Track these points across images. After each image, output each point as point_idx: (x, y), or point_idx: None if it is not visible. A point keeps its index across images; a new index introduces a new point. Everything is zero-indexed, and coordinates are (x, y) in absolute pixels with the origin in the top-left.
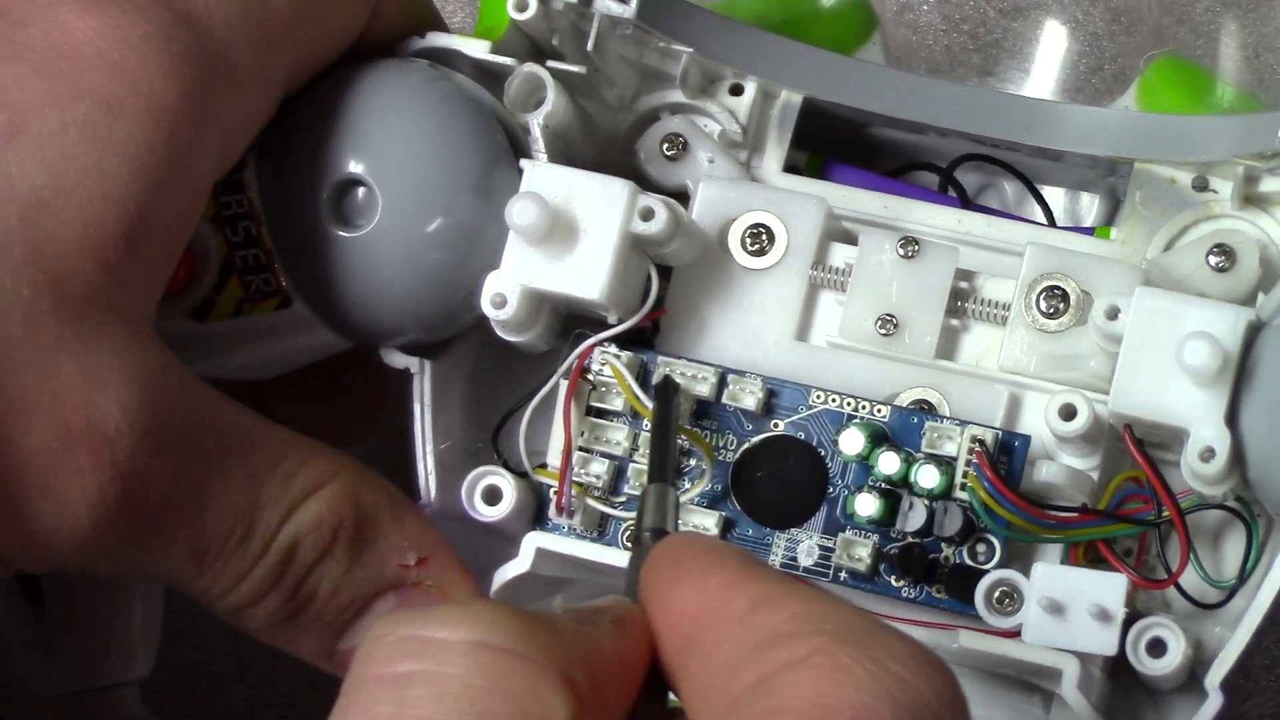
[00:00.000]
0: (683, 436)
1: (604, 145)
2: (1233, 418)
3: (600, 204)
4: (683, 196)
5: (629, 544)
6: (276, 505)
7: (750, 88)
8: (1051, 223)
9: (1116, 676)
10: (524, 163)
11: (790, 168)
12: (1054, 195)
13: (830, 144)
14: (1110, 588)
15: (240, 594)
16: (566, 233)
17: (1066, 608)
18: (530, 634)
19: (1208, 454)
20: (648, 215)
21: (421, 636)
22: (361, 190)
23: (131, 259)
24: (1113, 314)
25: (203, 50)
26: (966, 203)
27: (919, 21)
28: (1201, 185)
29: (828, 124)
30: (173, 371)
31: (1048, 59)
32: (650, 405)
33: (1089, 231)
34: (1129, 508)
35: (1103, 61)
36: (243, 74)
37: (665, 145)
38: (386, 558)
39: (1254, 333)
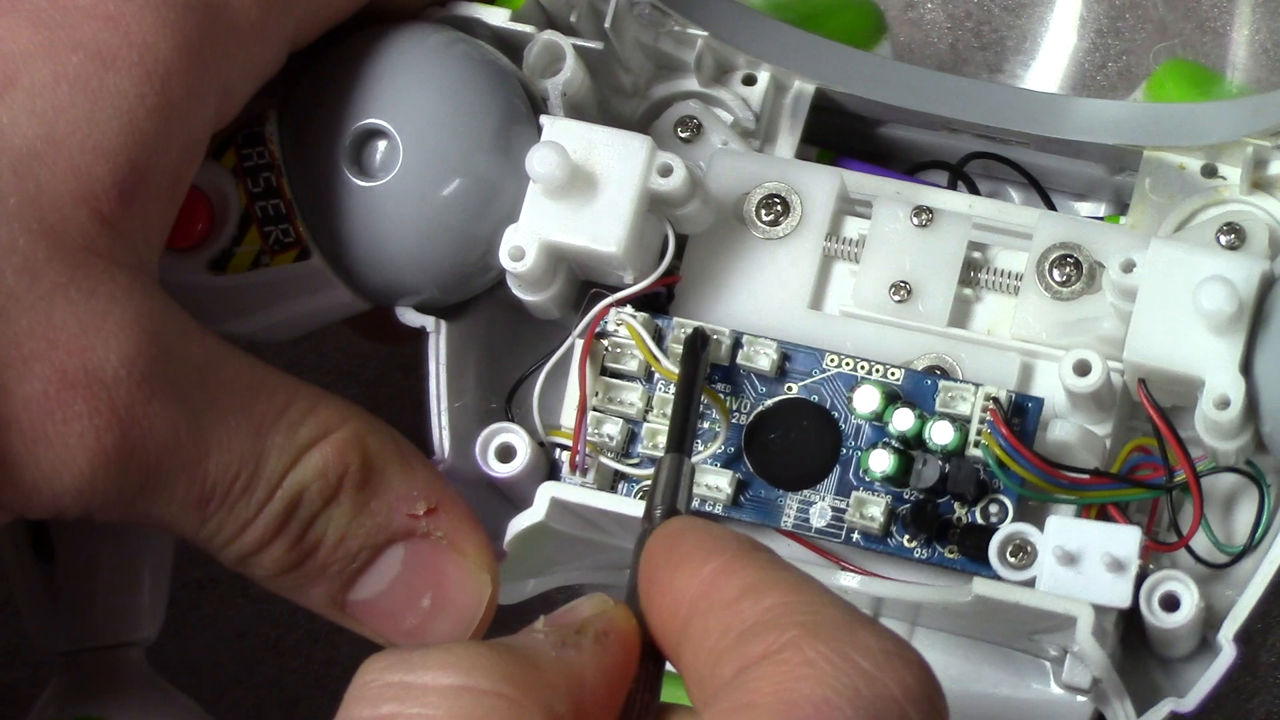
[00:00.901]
0: (708, 397)
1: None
2: (1247, 370)
3: (620, 158)
4: None
5: (642, 496)
6: (282, 452)
7: (763, 78)
8: None
9: (1127, 643)
10: (544, 118)
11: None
12: (1061, 202)
13: (841, 144)
14: (1124, 539)
15: (244, 542)
16: (585, 186)
17: (1080, 559)
18: (511, 673)
19: (1223, 402)
20: (666, 172)
21: (405, 682)
22: (383, 142)
23: (125, 211)
24: (1128, 267)
25: (203, 2)
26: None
27: (923, 19)
28: (1210, 172)
29: (839, 122)
30: (174, 319)
31: (1052, 55)
32: (667, 364)
33: (1098, 220)
34: (1138, 476)
35: (1108, 58)
36: (245, 26)
37: (679, 128)
38: (395, 506)
39: (1268, 286)
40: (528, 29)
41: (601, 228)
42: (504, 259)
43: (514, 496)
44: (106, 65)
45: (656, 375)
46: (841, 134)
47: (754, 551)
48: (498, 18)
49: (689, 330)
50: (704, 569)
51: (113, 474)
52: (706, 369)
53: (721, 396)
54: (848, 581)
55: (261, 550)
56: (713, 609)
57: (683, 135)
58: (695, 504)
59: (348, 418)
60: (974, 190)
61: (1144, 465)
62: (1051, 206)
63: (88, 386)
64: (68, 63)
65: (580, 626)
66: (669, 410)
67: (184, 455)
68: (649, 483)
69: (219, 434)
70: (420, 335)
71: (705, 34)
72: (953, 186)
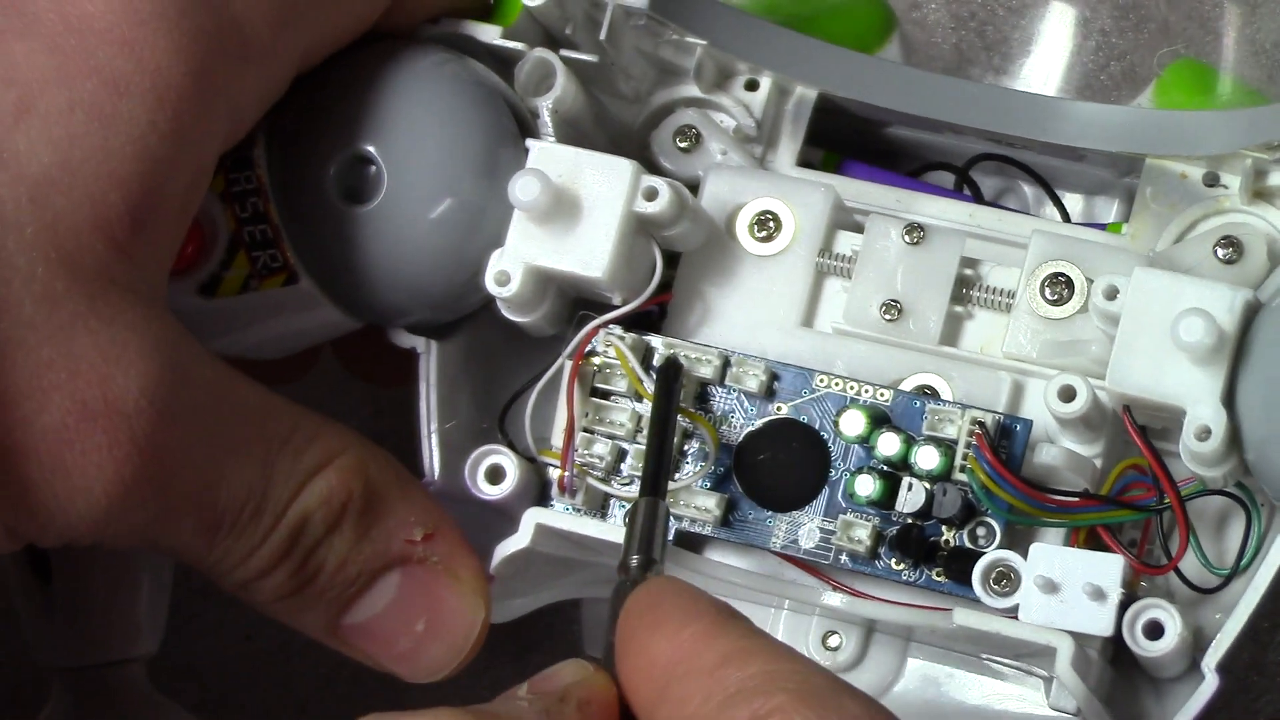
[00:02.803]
0: (687, 420)
1: (618, 137)
2: (1230, 398)
3: (604, 183)
4: (696, 188)
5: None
6: (288, 480)
7: (765, 83)
8: (1067, 222)
9: (1119, 665)
10: (529, 142)
11: (805, 165)
12: (1073, 201)
13: (847, 145)
14: (1107, 568)
15: (249, 568)
16: (570, 211)
17: (1063, 587)
18: None
19: (1204, 433)
20: (651, 195)
21: None
22: (369, 168)
23: (138, 237)
24: (1111, 294)
25: (216, 25)
26: (981, 202)
27: (927, 19)
28: (1212, 180)
29: (844, 123)
30: (187, 347)
31: (1055, 56)
32: (645, 382)
33: (1101, 228)
34: (1131, 496)
35: (1110, 58)
36: (255, 49)
37: (678, 138)
38: (394, 533)
39: (1252, 313)
40: (519, 46)
41: (586, 252)
42: (490, 284)
43: (507, 515)
44: (120, 91)
45: None
46: (846, 136)
47: (733, 618)
48: (490, 35)
49: (663, 358)
50: (683, 633)
51: (130, 505)
52: (678, 400)
53: (708, 420)
54: (834, 601)
55: (264, 577)
56: (691, 674)
57: (681, 145)
58: (685, 525)
59: (349, 444)
60: (978, 194)
61: (1137, 485)
62: (1061, 206)
63: (108, 417)
64: (83, 89)
65: (563, 694)
66: None
67: (197, 484)
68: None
69: (230, 462)
70: (412, 368)
71: (704, 43)
72: (959, 189)
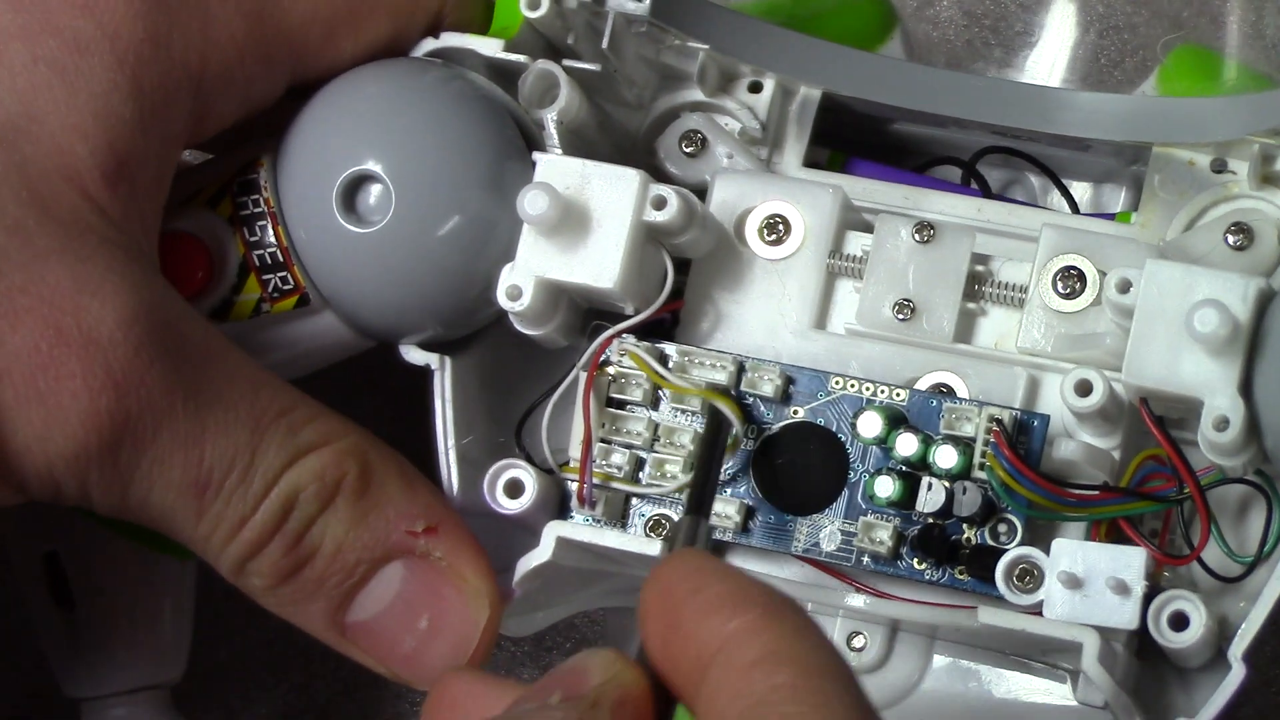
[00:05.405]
0: (722, 404)
1: (624, 144)
2: (1247, 387)
3: (612, 194)
4: (703, 193)
5: (652, 527)
6: (280, 450)
7: (769, 84)
8: (1075, 212)
9: (1144, 656)
10: (536, 155)
11: (812, 164)
12: (1080, 190)
13: (853, 142)
14: (1129, 561)
15: (242, 540)
16: (580, 223)
17: (1086, 582)
18: None
19: (1222, 423)
20: (660, 204)
21: None
22: (376, 187)
23: (112, 194)
24: (1124, 287)
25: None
26: (988, 195)
27: (939, 16)
28: (1220, 167)
29: (849, 121)
30: (174, 301)
31: (1068, 52)
32: (677, 381)
33: (1110, 218)
34: (1151, 486)
35: (1124, 54)
36: (223, 35)
37: (684, 143)
38: (393, 521)
39: (1266, 301)
40: (521, 59)
41: (597, 264)
42: (501, 299)
43: (528, 528)
44: (81, 50)
45: (662, 403)
46: (851, 134)
47: (782, 612)
48: (492, 48)
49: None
50: (729, 625)
51: (106, 439)
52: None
53: (728, 395)
54: (857, 602)
55: (259, 553)
56: (729, 667)
57: (687, 150)
58: None
59: (350, 431)
60: (985, 187)
61: (1156, 475)
62: (1068, 196)
63: (83, 345)
64: (44, 46)
65: (595, 699)
66: (675, 439)
67: (180, 431)
68: (660, 513)
69: (217, 417)
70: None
71: (706, 47)
72: (966, 183)
